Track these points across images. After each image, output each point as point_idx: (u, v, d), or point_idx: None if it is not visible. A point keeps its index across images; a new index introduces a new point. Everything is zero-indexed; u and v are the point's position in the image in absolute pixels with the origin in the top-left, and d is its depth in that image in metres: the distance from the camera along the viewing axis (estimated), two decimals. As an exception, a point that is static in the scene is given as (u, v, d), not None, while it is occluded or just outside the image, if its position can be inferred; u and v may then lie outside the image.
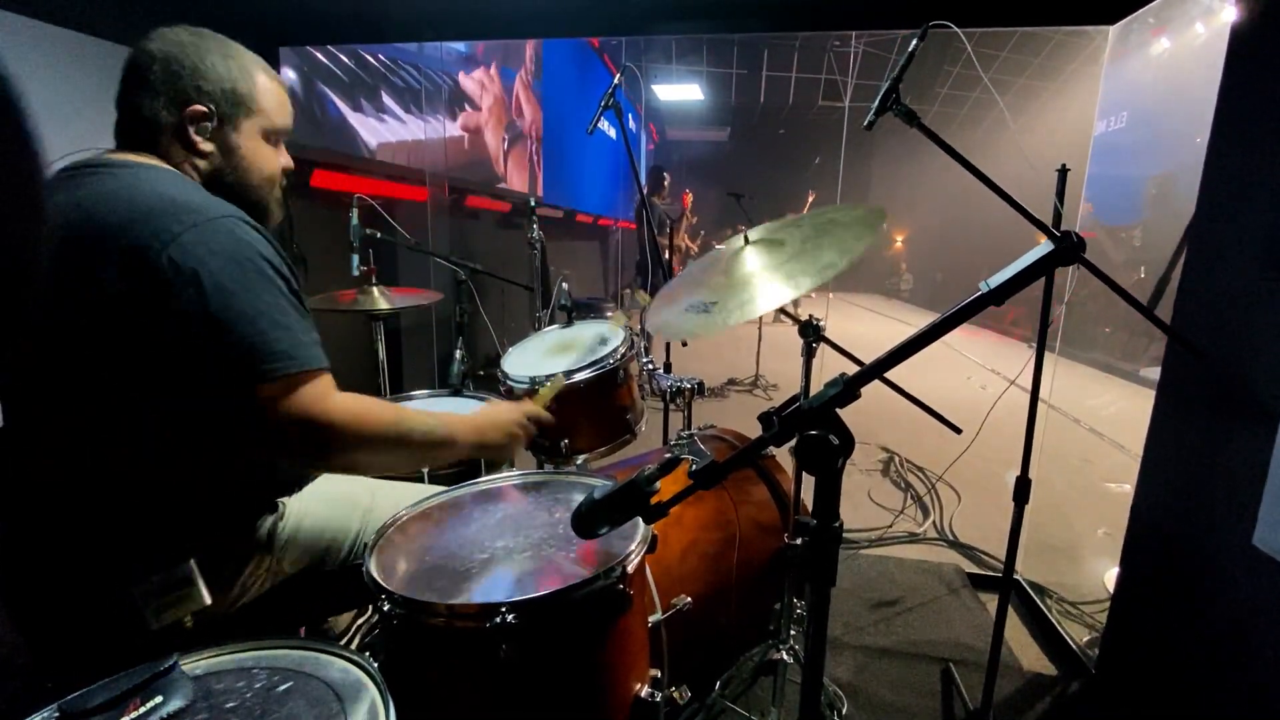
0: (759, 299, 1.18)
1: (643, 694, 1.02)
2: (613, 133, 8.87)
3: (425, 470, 1.59)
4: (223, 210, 0.94)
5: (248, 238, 0.93)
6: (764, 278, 1.25)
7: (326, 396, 0.93)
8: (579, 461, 1.66)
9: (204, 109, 1.01)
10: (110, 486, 0.96)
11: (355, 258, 2.14)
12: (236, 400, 0.89)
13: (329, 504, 1.20)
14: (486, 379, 3.62)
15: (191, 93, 1.00)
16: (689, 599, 1.25)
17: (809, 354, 1.46)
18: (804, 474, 0.99)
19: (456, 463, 1.64)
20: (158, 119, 1.00)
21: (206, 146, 1.03)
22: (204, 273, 0.86)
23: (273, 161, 1.11)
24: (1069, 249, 0.67)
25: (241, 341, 0.87)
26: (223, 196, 1.00)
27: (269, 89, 1.08)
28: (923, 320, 0.69)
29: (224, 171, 1.06)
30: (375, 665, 0.80)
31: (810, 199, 8.14)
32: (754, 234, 1.40)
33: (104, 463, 0.95)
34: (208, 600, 0.99)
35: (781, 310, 1.67)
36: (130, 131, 1.01)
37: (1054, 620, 2.11)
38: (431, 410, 1.13)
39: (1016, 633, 2.12)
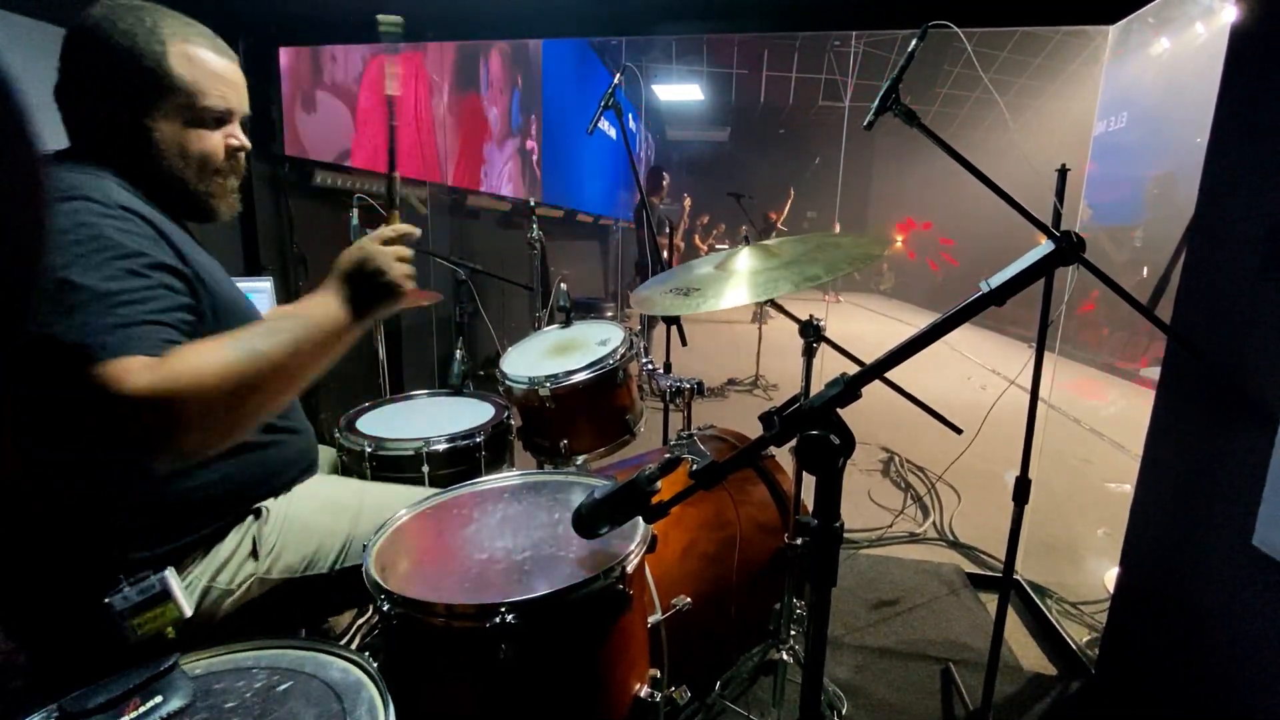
0: (734, 294, 1.32)
1: (642, 694, 1.02)
2: (613, 133, 8.87)
3: (425, 471, 1.58)
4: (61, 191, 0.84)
5: (72, 219, 0.83)
6: (747, 277, 1.37)
7: (137, 372, 0.75)
8: (578, 462, 1.66)
9: (102, 89, 0.92)
10: (82, 493, 0.93)
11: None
12: (70, 393, 0.76)
13: (316, 508, 1.17)
14: (486, 379, 3.63)
15: (89, 75, 0.92)
16: (689, 599, 1.25)
17: (809, 354, 1.46)
18: (804, 474, 0.99)
19: (450, 465, 1.64)
20: (64, 104, 0.95)
21: (107, 134, 0.94)
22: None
23: (200, 144, 0.99)
24: (1069, 249, 0.67)
25: (62, 331, 0.76)
26: (146, 188, 0.95)
27: (193, 64, 0.96)
28: (909, 316, 0.69)
29: (138, 160, 0.96)
30: (375, 665, 0.80)
31: (789, 198, 7.96)
32: (758, 242, 1.50)
33: (71, 469, 0.90)
34: (188, 612, 0.95)
35: (779, 309, 1.67)
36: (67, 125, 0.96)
37: (1054, 620, 2.11)
38: (277, 322, 0.89)
39: (1016, 633, 2.12)
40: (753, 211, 3.71)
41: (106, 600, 0.90)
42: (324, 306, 0.92)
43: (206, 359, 0.79)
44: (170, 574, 0.94)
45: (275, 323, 0.88)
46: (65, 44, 0.94)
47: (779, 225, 7.09)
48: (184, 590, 0.96)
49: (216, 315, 0.98)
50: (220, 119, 1.02)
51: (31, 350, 0.77)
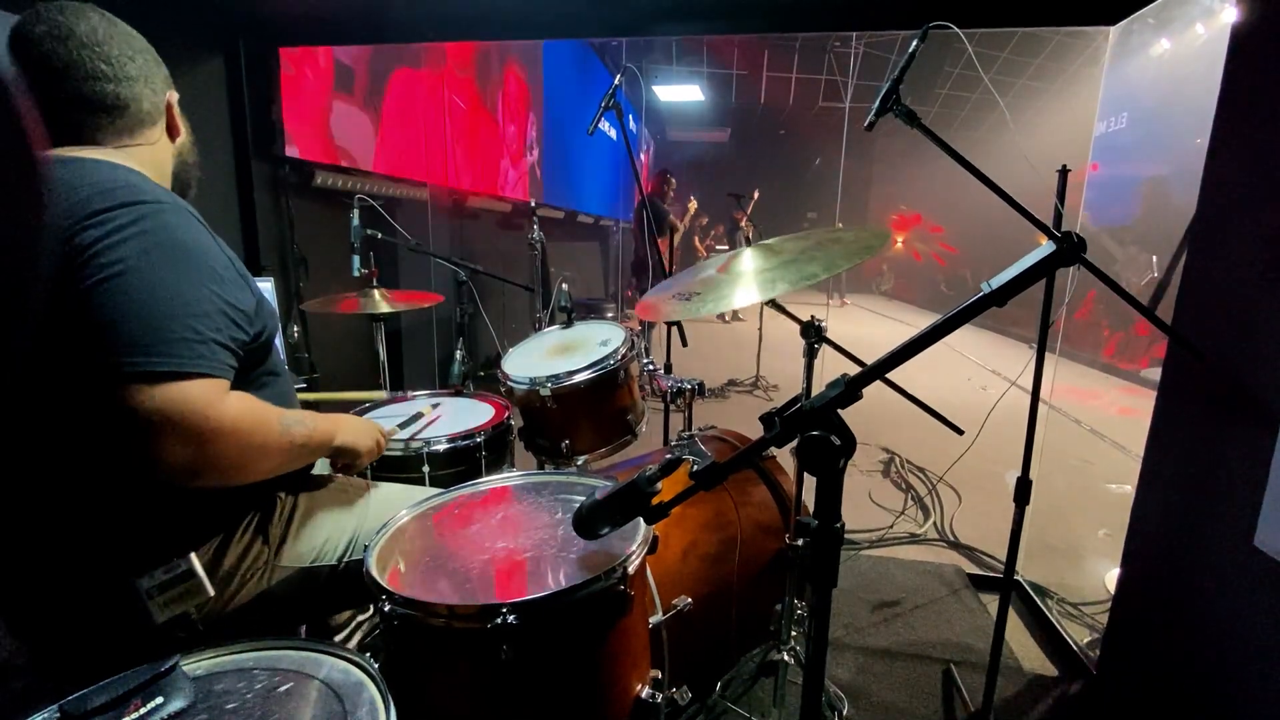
0: (734, 296, 1.31)
1: (643, 695, 1.02)
2: (613, 134, 8.86)
3: (426, 471, 1.59)
4: (163, 198, 0.89)
5: (181, 227, 0.88)
6: (746, 279, 1.37)
7: (216, 402, 0.85)
8: (579, 462, 1.66)
9: (177, 94, 1.00)
10: (104, 480, 0.94)
11: (356, 259, 2.14)
12: (106, 387, 0.80)
13: (326, 501, 1.20)
14: (487, 379, 3.63)
15: (162, 77, 0.98)
16: (690, 600, 1.25)
17: (811, 355, 1.46)
18: (805, 475, 0.99)
19: (451, 465, 1.64)
20: (141, 107, 0.97)
21: (184, 130, 1.02)
22: (114, 253, 0.80)
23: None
24: (1070, 250, 0.67)
25: (128, 328, 0.80)
26: (178, 180, 1.00)
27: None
28: (910, 317, 0.69)
29: (185, 152, 1.05)
30: (375, 666, 0.80)
31: (753, 198, 7.69)
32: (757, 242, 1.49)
33: (94, 457, 0.93)
34: (211, 592, 0.99)
35: (781, 309, 1.68)
36: (76, 122, 0.94)
37: (1055, 621, 2.11)
38: (300, 410, 1.07)
39: (1017, 633, 2.12)
40: (753, 211, 3.71)
41: (134, 581, 0.93)
42: (329, 423, 1.10)
43: (267, 414, 0.93)
44: (193, 557, 0.98)
45: (296, 410, 1.04)
46: (122, 50, 0.95)
47: (744, 223, 7.02)
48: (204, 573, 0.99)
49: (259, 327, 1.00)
50: None
51: (87, 338, 0.80)
